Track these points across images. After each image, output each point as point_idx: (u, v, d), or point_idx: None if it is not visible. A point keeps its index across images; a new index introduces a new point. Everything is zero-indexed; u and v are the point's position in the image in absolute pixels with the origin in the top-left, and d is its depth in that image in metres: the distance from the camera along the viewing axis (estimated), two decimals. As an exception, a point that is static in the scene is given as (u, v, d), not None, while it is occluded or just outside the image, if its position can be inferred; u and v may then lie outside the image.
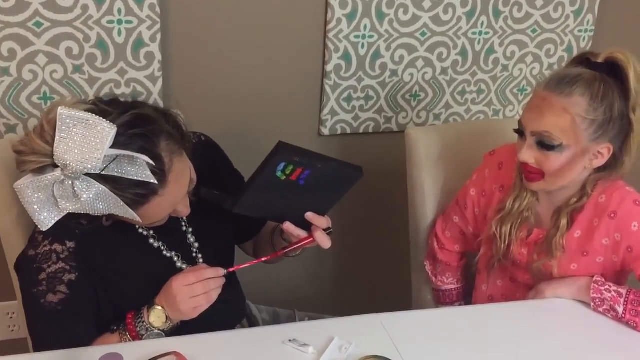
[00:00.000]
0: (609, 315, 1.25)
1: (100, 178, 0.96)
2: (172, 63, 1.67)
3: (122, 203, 0.99)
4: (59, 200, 0.95)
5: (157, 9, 1.59)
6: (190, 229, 1.27)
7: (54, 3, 1.51)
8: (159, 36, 1.60)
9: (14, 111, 1.58)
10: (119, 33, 1.58)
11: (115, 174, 0.96)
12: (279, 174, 1.07)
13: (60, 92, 1.59)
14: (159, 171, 1.02)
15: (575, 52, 2.00)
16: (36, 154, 0.96)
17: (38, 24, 1.52)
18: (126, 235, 1.19)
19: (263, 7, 1.70)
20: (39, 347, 1.15)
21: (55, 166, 0.95)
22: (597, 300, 1.26)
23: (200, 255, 1.27)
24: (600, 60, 1.23)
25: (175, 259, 1.24)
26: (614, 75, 1.21)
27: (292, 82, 1.81)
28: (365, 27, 1.78)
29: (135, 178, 0.97)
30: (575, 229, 1.30)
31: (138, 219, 1.03)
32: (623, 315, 1.23)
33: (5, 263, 1.33)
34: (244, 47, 1.73)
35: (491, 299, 1.47)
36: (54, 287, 1.11)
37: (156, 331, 1.14)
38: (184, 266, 1.24)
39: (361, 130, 1.91)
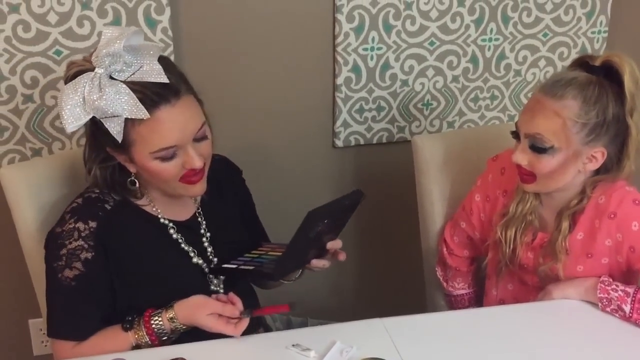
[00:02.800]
0: (617, 315, 1.24)
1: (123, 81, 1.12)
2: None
3: (138, 102, 1.10)
4: (86, 97, 1.11)
5: (170, 32, 1.66)
6: (208, 233, 1.33)
7: (72, 32, 1.60)
8: (172, 58, 1.67)
9: (38, 135, 1.67)
10: (134, 57, 1.66)
11: (136, 78, 1.12)
12: (310, 236, 1.18)
13: (81, 115, 1.68)
14: (172, 86, 1.14)
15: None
16: (77, 63, 1.17)
17: (58, 52, 1.61)
18: (148, 223, 1.26)
19: (272, 25, 1.76)
20: (51, 321, 1.22)
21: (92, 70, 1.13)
22: (605, 300, 1.24)
23: (215, 259, 1.32)
24: (597, 63, 1.23)
25: (192, 254, 1.29)
26: (610, 78, 1.21)
27: (304, 96, 1.85)
28: (373, 39, 1.81)
29: (152, 79, 1.12)
30: (578, 231, 1.29)
31: (147, 115, 1.11)
32: (630, 315, 1.21)
33: (36, 281, 1.39)
34: (256, 64, 1.78)
35: (502, 303, 1.47)
36: (71, 262, 1.18)
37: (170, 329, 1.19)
38: (199, 261, 1.29)
39: (374, 141, 1.94)
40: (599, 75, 1.22)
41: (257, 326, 1.43)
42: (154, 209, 1.27)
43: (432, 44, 1.87)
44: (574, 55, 1.99)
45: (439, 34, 1.86)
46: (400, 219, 1.99)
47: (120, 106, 1.11)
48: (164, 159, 1.16)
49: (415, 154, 1.62)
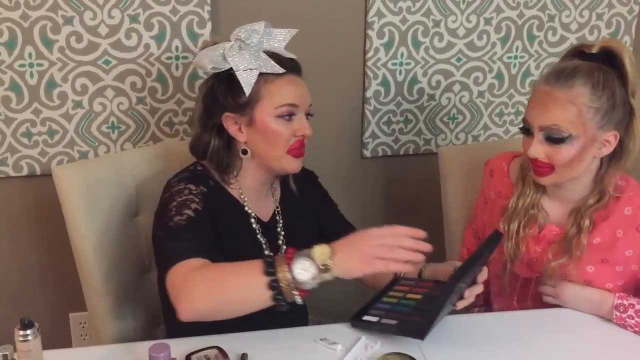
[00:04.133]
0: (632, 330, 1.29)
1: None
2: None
3: (273, 62, 1.27)
4: (225, 53, 1.27)
5: (210, 45, 1.76)
6: (283, 233, 1.41)
7: (120, 43, 1.71)
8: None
9: (86, 139, 1.79)
10: (177, 68, 1.77)
11: (270, 49, 1.31)
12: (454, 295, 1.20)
13: (126, 121, 1.79)
14: (298, 64, 1.34)
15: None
16: (213, 39, 1.35)
17: (107, 62, 1.73)
18: (236, 207, 1.35)
19: (305, 39, 1.84)
20: (169, 253, 1.18)
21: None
22: (621, 326, 1.29)
23: (285, 249, 1.39)
24: (594, 50, 1.27)
25: (264, 246, 1.37)
26: (609, 64, 1.25)
27: (334, 108, 1.94)
28: (402, 55, 1.90)
29: (284, 55, 1.32)
30: (595, 235, 1.33)
31: (282, 70, 1.28)
32: None
33: (77, 276, 1.49)
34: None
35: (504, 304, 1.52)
36: (181, 211, 1.24)
37: (316, 269, 1.09)
38: (270, 254, 1.36)
39: (401, 152, 2.02)
40: (597, 62, 1.26)
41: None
42: (242, 196, 1.36)
43: (459, 60, 1.94)
44: (598, 73, 2.04)
45: (466, 51, 1.93)
46: (424, 226, 2.05)
47: (257, 62, 1.27)
48: (284, 117, 1.29)
49: (441, 164, 1.70)
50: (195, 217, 1.24)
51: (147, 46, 1.73)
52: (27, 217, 1.85)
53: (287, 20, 1.81)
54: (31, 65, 1.68)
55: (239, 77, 1.27)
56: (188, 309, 1.12)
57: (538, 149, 1.28)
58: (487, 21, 1.91)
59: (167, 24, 1.72)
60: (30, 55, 1.67)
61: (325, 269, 1.09)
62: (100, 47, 1.71)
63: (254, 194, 1.38)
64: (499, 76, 1.99)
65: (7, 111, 1.71)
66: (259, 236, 1.37)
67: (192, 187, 1.28)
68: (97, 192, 1.44)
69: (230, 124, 1.32)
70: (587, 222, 1.31)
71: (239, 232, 1.35)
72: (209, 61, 1.29)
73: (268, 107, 1.29)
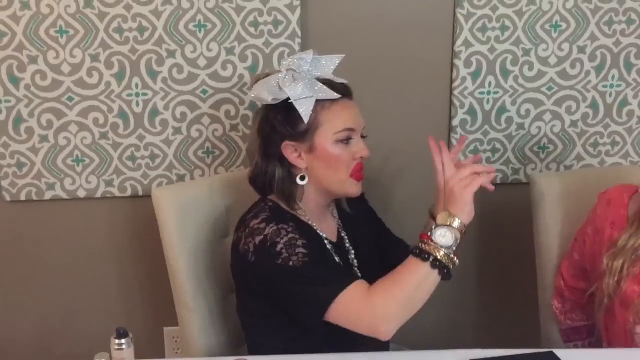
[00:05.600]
0: None
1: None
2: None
3: (328, 88, 1.31)
4: (280, 83, 1.31)
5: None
6: (352, 250, 1.47)
7: (217, 74, 1.83)
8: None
9: (183, 163, 1.90)
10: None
11: (322, 75, 1.35)
12: None
13: (219, 147, 1.89)
14: (349, 88, 1.38)
15: None
16: (264, 72, 1.39)
17: (204, 92, 1.84)
18: (311, 234, 1.38)
19: (393, 69, 1.89)
20: (321, 289, 1.25)
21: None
22: None
23: (356, 264, 1.46)
24: None
25: (340, 264, 1.41)
26: None
27: (420, 137, 1.94)
28: (489, 83, 1.89)
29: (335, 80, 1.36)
30: None
31: (337, 95, 1.32)
32: None
33: (170, 292, 1.59)
34: (376, 105, 1.90)
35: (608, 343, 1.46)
36: (293, 250, 1.26)
37: (450, 228, 1.24)
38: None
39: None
40: None
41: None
42: (309, 221, 1.40)
43: (549, 88, 1.90)
44: None
45: (557, 79, 1.89)
46: (515, 256, 2.02)
47: (312, 90, 1.31)
48: (342, 141, 1.33)
49: (533, 190, 1.68)
50: (310, 252, 1.28)
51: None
52: (129, 234, 1.98)
53: (373, 51, 1.87)
54: (137, 94, 1.83)
55: (297, 106, 1.30)
56: (391, 331, 1.25)
57: None
58: (581, 49, 1.87)
59: (259, 55, 1.82)
60: (136, 85, 1.82)
61: (453, 223, 1.25)
62: (199, 77, 1.82)
63: (318, 217, 1.42)
64: (594, 105, 1.93)
65: (115, 136, 1.86)
66: (335, 257, 1.41)
67: (284, 225, 1.30)
68: (191, 213, 1.53)
69: (290, 151, 1.35)
70: None
71: (323, 255, 1.39)
72: (268, 93, 1.32)
73: (327, 132, 1.33)
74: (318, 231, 1.41)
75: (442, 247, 1.24)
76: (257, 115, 1.40)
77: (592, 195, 1.58)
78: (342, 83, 1.37)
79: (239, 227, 1.37)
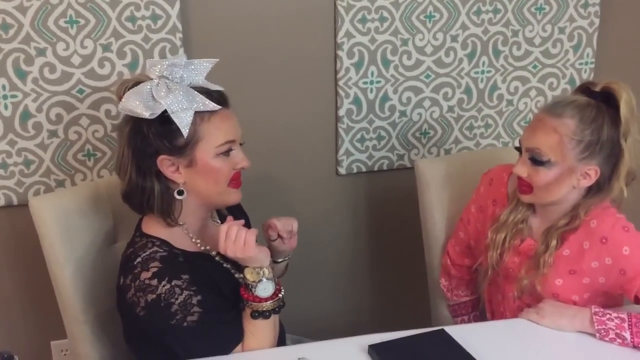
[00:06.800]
0: (616, 342, 1.29)
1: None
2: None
3: (207, 99, 1.25)
4: (154, 94, 1.22)
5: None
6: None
7: (94, 72, 1.74)
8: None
9: (62, 168, 1.80)
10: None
11: (198, 84, 1.29)
12: None
13: (101, 149, 1.81)
14: (225, 95, 1.32)
15: (577, 84, 2.10)
16: (132, 79, 1.30)
17: (80, 91, 1.75)
18: (203, 257, 1.36)
19: (277, 62, 1.89)
20: (212, 348, 1.27)
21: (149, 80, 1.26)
22: (602, 330, 1.30)
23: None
24: (597, 89, 1.34)
25: (232, 270, 1.39)
26: (608, 103, 1.32)
27: (308, 127, 1.98)
28: (372, 73, 1.94)
29: (211, 87, 1.30)
30: (565, 247, 1.38)
31: (217, 107, 1.27)
32: (632, 340, 1.28)
33: (57, 305, 1.49)
34: (263, 99, 1.91)
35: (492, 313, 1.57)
36: (188, 311, 1.24)
37: (264, 280, 1.27)
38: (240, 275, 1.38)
39: (376, 168, 2.06)
40: (597, 100, 1.33)
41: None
42: (193, 240, 1.35)
43: (427, 76, 1.99)
44: (564, 85, 2.11)
45: (434, 67, 1.98)
46: (405, 239, 2.10)
47: (190, 101, 1.23)
48: (224, 153, 1.29)
49: (417, 176, 1.75)
50: (205, 311, 1.25)
51: (120, 74, 1.75)
52: (5, 247, 1.85)
53: (257, 45, 1.86)
54: (5, 97, 1.70)
55: (176, 119, 1.22)
56: None
57: (522, 168, 1.36)
58: (454, 38, 1.97)
59: (139, 51, 1.75)
60: (3, 87, 1.69)
61: (263, 273, 1.28)
62: (74, 76, 1.73)
63: (200, 229, 1.38)
64: (467, 91, 2.04)
65: (-17, 143, 1.72)
66: (225, 265, 1.38)
67: (177, 282, 1.24)
68: (75, 221, 1.45)
69: (167, 166, 1.27)
70: (554, 242, 1.37)
71: (216, 274, 1.36)
72: (143, 106, 1.22)
73: (209, 146, 1.27)
74: (206, 249, 1.37)
75: (270, 298, 1.29)
76: (125, 125, 1.29)
77: (472, 177, 1.68)
78: (219, 91, 1.30)
79: (124, 269, 1.29)
